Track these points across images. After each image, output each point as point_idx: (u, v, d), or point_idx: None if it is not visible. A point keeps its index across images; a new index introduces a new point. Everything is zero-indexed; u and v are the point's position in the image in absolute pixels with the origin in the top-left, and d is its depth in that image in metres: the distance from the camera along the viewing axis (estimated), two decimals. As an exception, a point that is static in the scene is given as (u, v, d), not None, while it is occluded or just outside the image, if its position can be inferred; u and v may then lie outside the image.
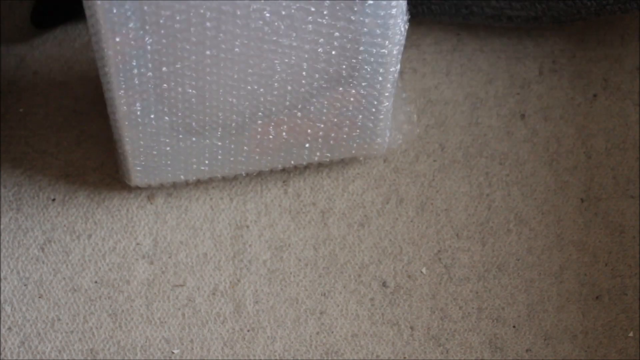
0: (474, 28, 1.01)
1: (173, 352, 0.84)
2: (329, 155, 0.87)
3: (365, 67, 0.78)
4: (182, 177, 0.87)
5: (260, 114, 0.81)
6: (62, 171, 0.92)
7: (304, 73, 0.77)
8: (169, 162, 0.85)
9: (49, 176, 0.92)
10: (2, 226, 0.89)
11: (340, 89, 0.79)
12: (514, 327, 0.86)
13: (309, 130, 0.83)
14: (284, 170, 0.92)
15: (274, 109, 0.80)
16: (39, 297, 0.86)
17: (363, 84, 0.79)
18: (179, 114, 0.79)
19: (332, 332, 0.85)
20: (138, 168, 0.85)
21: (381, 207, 0.91)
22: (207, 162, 0.85)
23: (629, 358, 0.84)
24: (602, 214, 0.91)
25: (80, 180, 0.91)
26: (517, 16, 0.95)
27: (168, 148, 0.83)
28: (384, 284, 0.87)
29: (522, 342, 0.85)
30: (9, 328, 0.85)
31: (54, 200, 0.90)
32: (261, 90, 0.78)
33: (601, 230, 0.90)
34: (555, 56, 0.99)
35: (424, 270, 0.88)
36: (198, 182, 0.91)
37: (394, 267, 0.88)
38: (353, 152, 0.87)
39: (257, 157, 0.86)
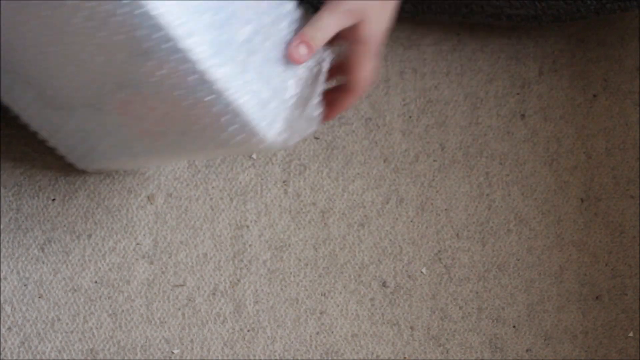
0: (474, 28, 1.00)
1: (173, 352, 0.84)
2: (207, 143, 0.80)
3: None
4: (107, 161, 0.86)
5: (107, 87, 0.78)
6: (62, 171, 0.92)
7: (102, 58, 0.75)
8: (76, 142, 0.85)
9: (49, 176, 0.92)
10: (2, 226, 0.89)
11: (149, 63, 0.74)
12: (514, 327, 0.86)
13: (159, 105, 0.77)
14: (284, 170, 0.92)
15: (111, 85, 0.77)
16: (39, 297, 0.86)
17: (162, 50, 0.74)
18: (37, 86, 0.79)
19: (332, 332, 0.85)
20: (62, 148, 0.86)
21: (381, 207, 0.91)
22: (110, 142, 0.84)
23: (629, 358, 0.84)
24: (602, 214, 0.91)
25: (80, 180, 0.91)
26: (517, 15, 0.95)
27: (58, 123, 0.83)
28: (384, 284, 0.87)
29: (522, 342, 0.85)
30: (9, 328, 0.85)
31: (54, 200, 0.90)
32: (85, 72, 0.77)
33: (601, 230, 0.90)
34: (555, 56, 0.99)
35: (424, 270, 0.88)
36: (198, 182, 0.91)
37: (394, 267, 0.88)
38: (224, 136, 0.78)
39: (147, 141, 0.82)
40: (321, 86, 0.77)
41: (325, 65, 0.77)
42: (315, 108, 0.77)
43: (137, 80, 0.74)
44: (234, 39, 0.72)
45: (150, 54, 0.72)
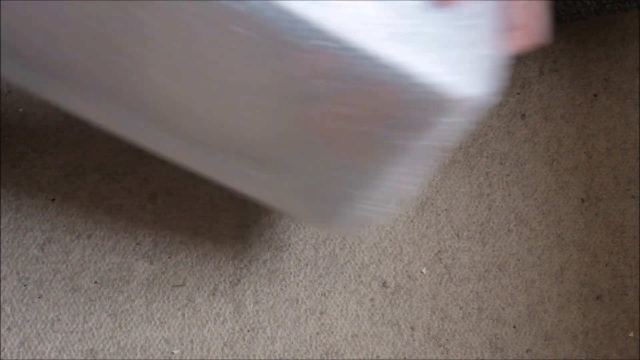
0: (475, 28, 1.00)
1: (173, 352, 0.84)
2: (416, 130, 0.71)
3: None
4: (355, 213, 0.76)
5: (289, 117, 0.70)
6: (61, 171, 0.92)
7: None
8: (311, 202, 0.77)
9: (49, 176, 0.91)
10: (1, 226, 0.89)
11: (303, 56, 0.65)
12: (514, 327, 0.85)
13: (347, 109, 0.71)
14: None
15: (291, 108, 0.68)
16: (39, 297, 0.86)
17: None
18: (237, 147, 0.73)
19: (332, 332, 0.85)
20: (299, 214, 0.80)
21: (381, 207, 0.91)
22: (339, 186, 0.75)
23: (630, 358, 0.84)
24: (602, 214, 0.91)
25: (80, 180, 0.91)
26: (518, 15, 0.95)
27: (279, 185, 0.75)
28: (384, 284, 0.87)
29: (522, 343, 0.85)
30: (9, 328, 0.85)
31: (53, 200, 0.90)
32: (258, 111, 0.69)
33: (602, 230, 0.90)
34: (556, 56, 0.99)
35: (424, 270, 0.88)
36: (197, 182, 0.91)
37: (394, 267, 0.88)
38: (423, 111, 0.68)
39: (371, 159, 0.71)
40: (502, 22, 0.68)
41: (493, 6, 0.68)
42: (497, 48, 0.68)
43: (306, 89, 0.66)
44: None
45: (299, 46, 0.65)
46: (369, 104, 0.67)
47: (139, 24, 0.64)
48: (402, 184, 0.70)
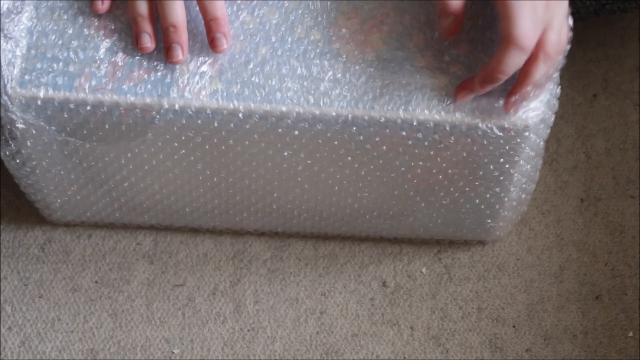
0: (474, 28, 1.00)
1: (173, 352, 0.84)
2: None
3: None
4: None
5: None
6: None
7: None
8: None
9: (49, 176, 0.92)
10: (2, 226, 0.89)
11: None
12: (513, 327, 0.86)
13: (429, 163, 0.80)
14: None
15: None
16: (39, 297, 0.86)
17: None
18: None
19: (332, 332, 0.85)
20: None
21: (381, 207, 0.91)
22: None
23: (629, 358, 0.84)
24: (602, 214, 0.91)
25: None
26: (517, 16, 0.95)
27: None
28: (384, 284, 0.87)
29: (522, 342, 0.85)
30: (9, 328, 0.85)
31: (54, 200, 0.90)
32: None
33: (601, 230, 0.90)
34: (555, 56, 0.99)
35: (424, 270, 0.88)
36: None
37: (394, 267, 0.88)
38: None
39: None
40: None
41: None
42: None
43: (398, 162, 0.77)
44: None
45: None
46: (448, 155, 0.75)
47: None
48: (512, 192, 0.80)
